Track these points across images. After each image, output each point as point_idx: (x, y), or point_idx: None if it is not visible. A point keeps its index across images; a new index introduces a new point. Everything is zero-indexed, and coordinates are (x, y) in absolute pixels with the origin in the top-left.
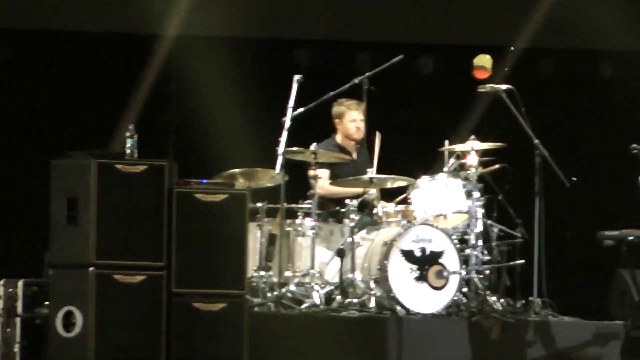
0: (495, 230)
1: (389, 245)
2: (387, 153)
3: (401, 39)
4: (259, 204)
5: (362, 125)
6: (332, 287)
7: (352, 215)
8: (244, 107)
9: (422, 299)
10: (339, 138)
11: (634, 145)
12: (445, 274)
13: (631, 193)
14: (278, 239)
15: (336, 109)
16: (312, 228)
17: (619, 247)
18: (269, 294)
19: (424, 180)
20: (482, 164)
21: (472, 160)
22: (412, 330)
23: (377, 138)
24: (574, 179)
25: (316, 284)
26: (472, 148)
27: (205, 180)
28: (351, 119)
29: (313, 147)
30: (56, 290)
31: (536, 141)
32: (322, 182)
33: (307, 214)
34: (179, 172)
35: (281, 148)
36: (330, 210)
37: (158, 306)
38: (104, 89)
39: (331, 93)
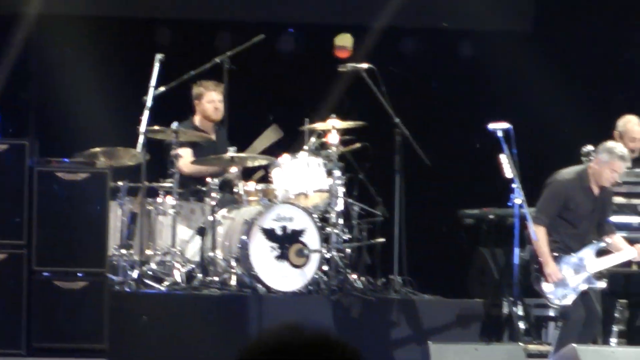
0: (356, 208)
1: (249, 224)
2: (249, 132)
3: (262, 18)
4: (120, 183)
5: (220, 106)
6: (193, 266)
7: (213, 194)
8: (105, 86)
9: (282, 277)
10: (197, 120)
11: (493, 124)
12: (306, 252)
13: (491, 172)
14: (139, 218)
15: (195, 90)
16: (173, 207)
17: (479, 226)
18: (129, 273)
19: (285, 159)
20: (343, 143)
21: (333, 139)
22: (272, 308)
23: (272, 130)
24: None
25: (177, 262)
26: (333, 127)
27: (66, 159)
28: (209, 100)
29: (174, 126)
30: None
31: (396, 120)
32: (184, 161)
33: (168, 193)
34: (40, 151)
35: (142, 127)
36: (192, 188)
37: (19, 284)
38: None
39: (192, 72)
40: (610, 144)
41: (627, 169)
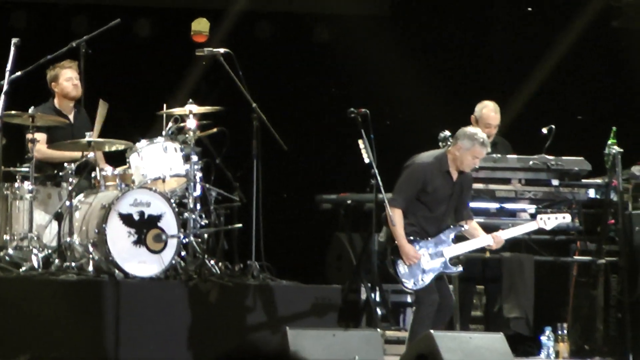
0: (214, 193)
1: (107, 209)
2: (107, 117)
3: (119, 2)
4: None
5: (78, 82)
6: (50, 251)
7: (70, 179)
8: None
9: (140, 262)
10: (56, 101)
11: (351, 109)
12: (163, 237)
13: (348, 157)
14: None
15: (50, 73)
16: (30, 191)
17: (337, 211)
18: None
19: (141, 144)
20: (200, 128)
21: (190, 123)
22: (130, 293)
23: (101, 107)
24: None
25: (34, 247)
26: (190, 112)
27: None
28: (66, 78)
29: (31, 110)
30: None
31: (254, 105)
32: (40, 146)
33: (24, 178)
34: None
35: None
36: (48, 173)
37: None
38: None
39: (49, 56)
40: (471, 130)
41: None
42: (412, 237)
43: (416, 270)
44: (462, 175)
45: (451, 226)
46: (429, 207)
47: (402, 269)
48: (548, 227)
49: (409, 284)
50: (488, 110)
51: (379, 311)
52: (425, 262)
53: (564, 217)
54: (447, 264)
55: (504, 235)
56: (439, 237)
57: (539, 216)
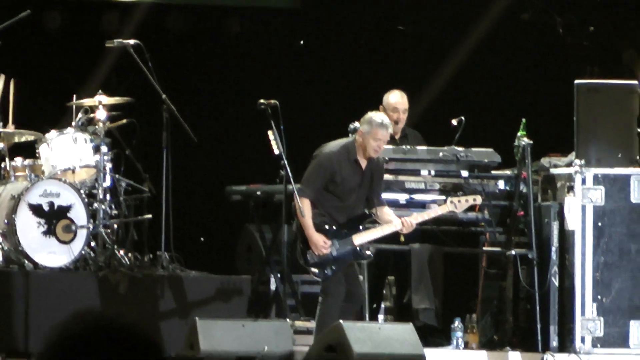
0: (123, 184)
1: (16, 200)
2: (17, 107)
3: None
4: None
5: None
6: None
7: None
8: None
9: (49, 253)
10: None
11: (262, 101)
12: (73, 228)
13: (258, 148)
14: None
15: None
16: None
17: (247, 202)
18: None
19: (51, 134)
20: (111, 119)
21: (100, 114)
22: (39, 284)
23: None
24: None
25: None
26: (100, 102)
27: None
28: None
29: None
30: None
31: (163, 96)
32: None
33: None
34: None
35: None
36: None
37: None
38: None
39: None
40: (371, 114)
41: (394, 145)
42: (322, 227)
43: (326, 259)
44: (372, 164)
45: (361, 214)
46: (338, 196)
47: (311, 258)
48: (459, 210)
49: (319, 274)
50: (393, 96)
51: (288, 302)
52: (335, 250)
53: (474, 199)
54: (357, 252)
55: (414, 219)
56: (349, 226)
57: (449, 199)
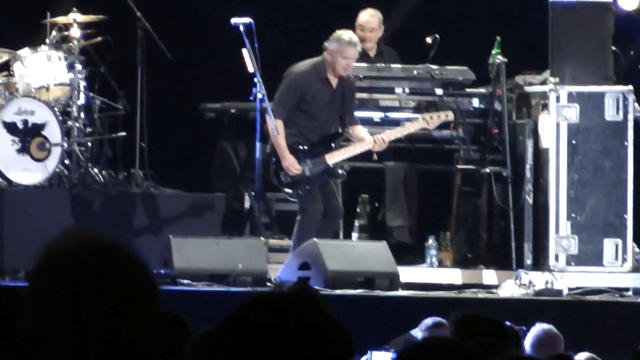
0: (98, 102)
1: None
2: None
3: None
4: None
5: None
6: None
7: None
8: None
9: (24, 170)
10: None
11: (235, 19)
12: (47, 145)
13: (232, 65)
14: None
15: None
16: None
17: (221, 120)
18: None
19: (25, 52)
20: (85, 36)
21: (75, 32)
22: (14, 201)
23: None
24: None
25: None
26: (75, 20)
27: None
28: None
29: None
30: None
31: (138, 14)
32: None
33: None
34: None
35: None
36: None
37: None
38: None
39: None
40: (338, 32)
41: (369, 63)
42: (295, 147)
43: (299, 179)
44: (343, 82)
45: (334, 133)
46: (310, 115)
47: (284, 178)
48: (431, 126)
49: (293, 193)
50: (363, 14)
51: (263, 219)
52: (308, 170)
53: (446, 115)
54: (331, 171)
55: (386, 136)
56: (322, 145)
57: (421, 116)
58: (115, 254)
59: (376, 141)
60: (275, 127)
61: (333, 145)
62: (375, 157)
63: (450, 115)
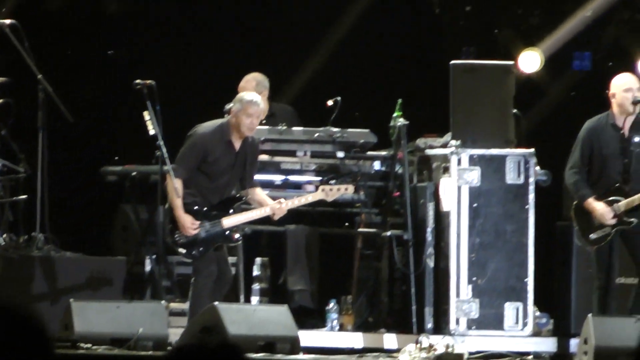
0: None
1: None
2: None
3: None
4: None
5: None
6: None
7: None
8: None
9: None
10: None
11: (137, 81)
12: None
13: (134, 128)
14: None
15: None
16: None
17: (122, 183)
18: None
19: None
20: None
21: None
22: None
23: None
24: None
25: None
26: None
27: None
28: None
29: None
30: None
31: (39, 76)
32: None
33: None
34: None
35: None
36: None
37: None
38: None
39: None
40: (240, 94)
41: (271, 125)
42: (193, 207)
43: (194, 240)
44: (246, 144)
45: (233, 196)
46: (211, 177)
47: (180, 238)
48: (330, 199)
49: (188, 255)
50: (245, 81)
51: (163, 283)
52: (204, 232)
53: (346, 189)
54: (225, 235)
55: (284, 205)
56: (220, 207)
57: (321, 187)
58: (11, 317)
59: (273, 210)
60: (172, 187)
61: (231, 208)
62: (275, 219)
63: (350, 189)
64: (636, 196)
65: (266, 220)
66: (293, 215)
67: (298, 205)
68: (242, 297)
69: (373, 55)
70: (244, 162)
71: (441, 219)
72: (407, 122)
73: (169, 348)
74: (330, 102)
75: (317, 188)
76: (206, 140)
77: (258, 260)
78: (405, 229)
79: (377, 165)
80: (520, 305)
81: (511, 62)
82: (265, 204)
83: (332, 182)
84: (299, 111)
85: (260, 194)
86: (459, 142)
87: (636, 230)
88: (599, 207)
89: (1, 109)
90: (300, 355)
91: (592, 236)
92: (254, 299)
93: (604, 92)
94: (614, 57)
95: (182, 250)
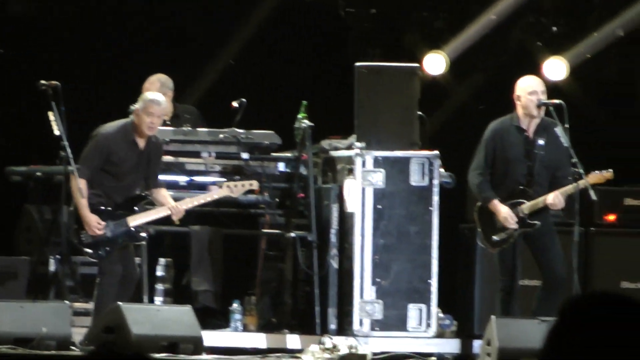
0: None
1: None
2: None
3: None
4: None
5: None
6: None
7: None
8: None
9: None
10: None
11: (42, 82)
12: None
13: (38, 128)
14: None
15: None
16: None
17: (27, 183)
18: None
19: None
20: None
21: None
22: None
23: None
24: None
25: None
26: None
27: None
28: None
29: None
30: None
31: None
32: None
33: None
34: None
35: None
36: None
37: None
38: None
39: None
40: (144, 93)
41: (175, 126)
42: (97, 207)
43: (100, 240)
44: (150, 144)
45: (137, 196)
46: (115, 176)
47: (85, 239)
48: (235, 195)
49: (93, 254)
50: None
51: (68, 283)
52: (109, 231)
53: (251, 184)
54: (131, 234)
55: (184, 205)
56: (125, 207)
57: (225, 183)
58: None
59: (171, 210)
60: (77, 187)
61: (136, 207)
62: (177, 222)
63: (254, 184)
64: (540, 199)
65: (170, 220)
66: (197, 216)
67: (203, 201)
68: (145, 298)
69: (278, 56)
70: (148, 161)
71: (345, 220)
72: (311, 124)
73: (72, 348)
74: (235, 104)
75: (221, 187)
76: (109, 140)
77: (162, 260)
78: (309, 230)
79: (281, 166)
80: (423, 306)
81: (416, 65)
82: (167, 204)
83: (236, 177)
84: (203, 112)
85: (164, 194)
86: (363, 144)
87: (539, 232)
88: (502, 210)
89: None
90: (204, 356)
91: (495, 238)
92: (158, 299)
93: (509, 95)
94: (519, 60)
95: (88, 251)
